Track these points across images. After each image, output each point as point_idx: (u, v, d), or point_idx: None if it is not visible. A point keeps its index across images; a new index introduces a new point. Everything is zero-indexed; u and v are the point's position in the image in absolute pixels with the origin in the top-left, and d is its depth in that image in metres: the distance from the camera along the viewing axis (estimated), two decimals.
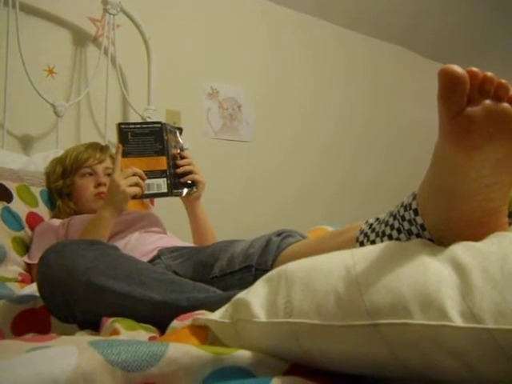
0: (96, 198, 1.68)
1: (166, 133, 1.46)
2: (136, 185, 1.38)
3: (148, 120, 2.31)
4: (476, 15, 3.28)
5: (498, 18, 3.32)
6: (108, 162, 1.75)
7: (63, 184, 1.74)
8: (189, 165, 1.53)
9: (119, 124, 1.43)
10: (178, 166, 1.50)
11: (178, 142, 1.53)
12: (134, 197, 1.40)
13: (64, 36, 2.27)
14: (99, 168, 1.73)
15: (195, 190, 1.54)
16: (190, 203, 1.61)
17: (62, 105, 2.12)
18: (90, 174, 1.72)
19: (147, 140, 1.42)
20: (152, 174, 1.43)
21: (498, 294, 0.53)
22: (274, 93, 3.04)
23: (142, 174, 1.40)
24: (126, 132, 1.41)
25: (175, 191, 1.48)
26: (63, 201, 1.74)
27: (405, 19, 3.28)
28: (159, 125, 1.45)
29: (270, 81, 3.02)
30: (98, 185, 1.70)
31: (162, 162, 1.44)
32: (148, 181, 1.42)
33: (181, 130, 1.57)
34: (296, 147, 3.16)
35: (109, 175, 1.71)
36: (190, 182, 1.53)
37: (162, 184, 1.43)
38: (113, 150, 1.85)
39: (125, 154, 1.41)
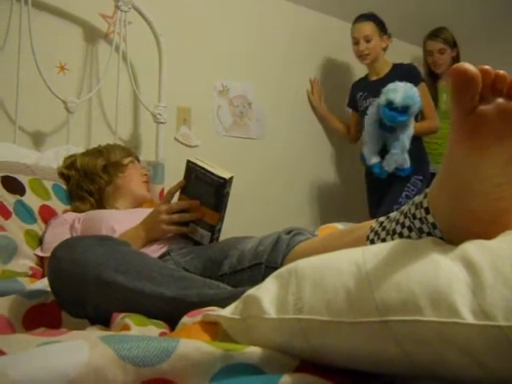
0: (143, 184, 1.87)
1: (227, 189, 1.40)
2: (178, 222, 1.39)
3: (159, 116, 2.31)
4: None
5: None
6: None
7: (114, 167, 1.82)
8: None
9: (188, 161, 1.39)
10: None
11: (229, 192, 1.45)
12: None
13: (76, 33, 2.28)
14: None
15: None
16: None
17: (73, 101, 2.13)
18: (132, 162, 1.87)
19: (207, 189, 1.37)
20: (201, 222, 1.40)
21: (509, 292, 0.53)
22: (285, 90, 3.04)
23: (189, 211, 1.39)
24: (191, 171, 1.38)
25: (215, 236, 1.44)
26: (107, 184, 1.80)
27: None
28: (222, 181, 1.36)
29: (281, 78, 3.01)
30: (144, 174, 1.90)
31: (214, 217, 1.39)
32: (194, 226, 1.40)
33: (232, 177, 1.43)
34: (307, 144, 3.15)
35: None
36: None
37: (205, 236, 1.40)
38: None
39: (183, 190, 1.41)
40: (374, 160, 2.58)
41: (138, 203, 1.84)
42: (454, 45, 3.07)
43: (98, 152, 1.85)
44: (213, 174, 1.36)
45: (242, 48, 2.85)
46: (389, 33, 2.83)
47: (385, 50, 2.84)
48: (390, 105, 2.37)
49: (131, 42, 2.29)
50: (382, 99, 2.41)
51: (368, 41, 2.76)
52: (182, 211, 1.40)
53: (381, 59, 2.83)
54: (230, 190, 1.42)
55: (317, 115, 3.20)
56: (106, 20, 2.35)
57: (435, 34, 3.07)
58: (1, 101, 2.07)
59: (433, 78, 3.13)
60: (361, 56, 2.82)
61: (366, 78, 2.96)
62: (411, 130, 2.49)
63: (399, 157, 2.49)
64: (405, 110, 2.36)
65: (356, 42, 2.81)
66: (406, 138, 2.48)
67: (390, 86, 2.42)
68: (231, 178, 1.39)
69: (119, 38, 2.26)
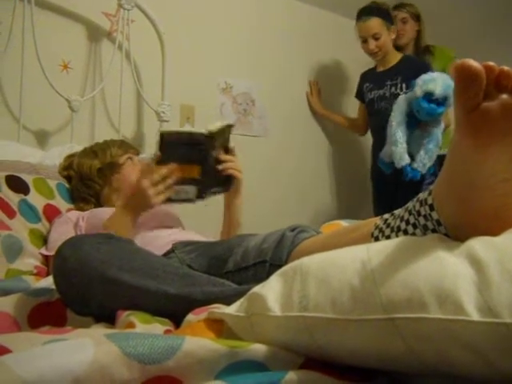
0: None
1: (208, 141, 1.42)
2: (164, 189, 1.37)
3: (163, 114, 2.32)
4: None
5: None
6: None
7: (109, 169, 1.75)
8: (230, 161, 1.50)
9: (161, 131, 1.39)
10: (216, 171, 1.47)
11: (226, 139, 1.49)
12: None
13: (79, 31, 2.28)
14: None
15: (227, 189, 1.53)
16: (228, 198, 1.63)
17: (76, 100, 2.13)
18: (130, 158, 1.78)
19: (186, 150, 1.39)
20: (184, 180, 1.40)
21: None
22: (288, 87, 3.04)
23: (167, 182, 1.37)
24: (163, 139, 1.37)
25: (211, 191, 1.47)
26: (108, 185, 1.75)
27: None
28: (202, 136, 1.39)
29: (284, 75, 3.01)
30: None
31: (193, 170, 1.41)
32: (177, 187, 1.39)
33: (231, 126, 1.50)
34: (310, 141, 3.15)
35: None
36: (226, 179, 1.51)
37: (190, 190, 1.41)
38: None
39: (158, 162, 1.39)
40: (406, 161, 2.33)
41: None
42: (417, 19, 3.00)
43: (93, 153, 1.79)
44: (190, 132, 1.42)
45: (245, 45, 2.85)
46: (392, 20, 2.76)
47: (393, 40, 2.77)
48: (428, 96, 2.19)
49: (134, 40, 2.29)
50: (417, 92, 2.22)
51: (377, 38, 2.70)
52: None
53: (390, 51, 2.77)
54: (226, 136, 1.48)
55: (317, 115, 3.18)
56: (109, 18, 2.35)
57: (400, 5, 2.99)
58: (5, 100, 2.07)
59: (396, 50, 2.96)
60: (371, 54, 2.77)
61: (374, 68, 2.91)
62: (443, 124, 2.33)
63: (434, 154, 2.30)
64: (443, 101, 2.18)
65: (364, 41, 2.75)
66: (440, 133, 2.31)
67: (425, 76, 2.25)
68: (226, 126, 1.44)
69: (122, 36, 2.26)
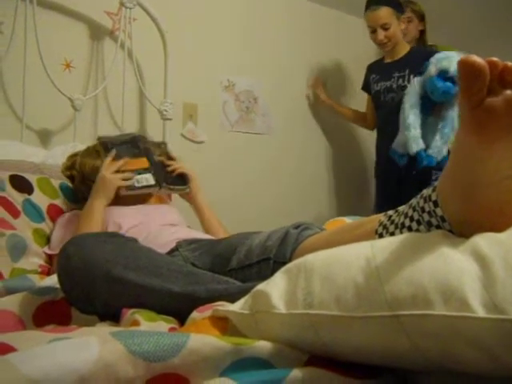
0: None
1: (140, 141, 1.74)
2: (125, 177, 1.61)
3: (165, 112, 2.32)
4: None
5: None
6: None
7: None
8: (176, 164, 1.75)
9: (99, 138, 1.77)
10: (166, 172, 1.73)
11: (163, 152, 1.82)
12: (127, 190, 1.61)
13: (81, 30, 2.28)
14: None
15: (187, 187, 1.75)
16: (191, 199, 1.79)
17: (79, 99, 2.14)
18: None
19: (126, 148, 1.69)
20: (138, 172, 1.64)
21: None
22: (290, 84, 3.03)
23: (122, 167, 1.63)
24: (105, 143, 1.71)
25: (170, 186, 1.71)
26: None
27: None
28: (132, 135, 1.79)
29: (286, 73, 3.01)
30: None
31: (144, 162, 1.67)
32: (137, 176, 1.63)
33: (165, 143, 1.94)
34: (312, 139, 3.15)
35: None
36: (182, 179, 1.75)
37: (149, 178, 1.65)
38: None
39: (115, 159, 1.67)
40: (421, 146, 2.25)
41: (138, 200, 1.73)
42: (422, 18, 2.96)
43: (96, 152, 1.77)
44: (122, 135, 1.86)
45: (248, 43, 2.85)
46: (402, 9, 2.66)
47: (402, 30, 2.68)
48: (443, 74, 2.13)
49: (136, 38, 2.29)
50: (432, 70, 2.17)
51: (386, 28, 2.60)
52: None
53: (400, 42, 2.68)
54: (165, 151, 1.86)
55: (324, 106, 3.11)
56: (111, 17, 2.35)
57: (405, 4, 2.89)
58: (7, 99, 2.07)
59: None
60: (380, 44, 2.68)
61: (381, 59, 2.84)
62: (456, 107, 2.17)
63: (450, 139, 2.20)
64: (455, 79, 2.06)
65: (373, 31, 2.65)
66: (455, 116, 2.21)
67: (439, 55, 2.20)
68: (159, 143, 1.90)
69: (124, 35, 2.26)
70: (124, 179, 1.61)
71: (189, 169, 1.77)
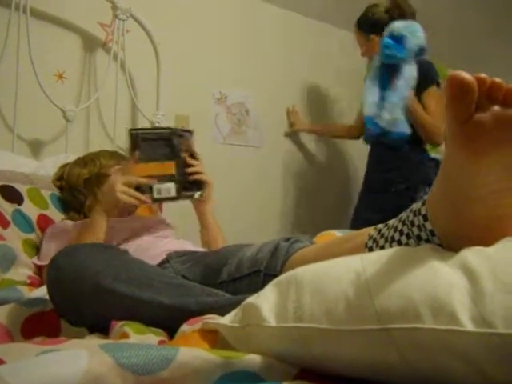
0: None
1: (176, 137, 1.48)
2: (132, 195, 1.41)
3: (157, 125, 2.32)
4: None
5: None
6: None
7: (96, 180, 1.72)
8: (197, 166, 1.54)
9: (130, 129, 1.45)
10: (186, 174, 1.52)
11: (188, 145, 1.54)
12: (145, 202, 1.44)
13: (74, 41, 2.29)
14: None
15: (203, 193, 1.55)
16: (199, 205, 1.63)
17: (71, 110, 2.13)
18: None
19: (157, 145, 1.45)
20: (161, 178, 1.45)
21: (509, 299, 0.53)
22: (282, 97, 3.05)
23: (146, 184, 1.43)
24: (136, 137, 1.44)
25: (184, 194, 1.50)
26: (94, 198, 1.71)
27: None
28: (168, 130, 1.48)
29: (278, 85, 3.02)
30: None
31: (170, 167, 1.46)
32: (158, 185, 1.44)
33: (191, 132, 1.57)
34: (305, 152, 3.16)
35: None
36: (198, 184, 1.54)
37: (171, 188, 1.46)
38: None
39: (138, 162, 1.45)
40: (370, 112, 2.39)
41: (124, 213, 1.64)
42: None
43: (84, 163, 1.77)
44: (158, 128, 1.55)
45: (240, 55, 2.86)
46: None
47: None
48: (391, 34, 2.31)
49: (129, 50, 2.30)
50: (384, 35, 2.36)
51: (361, 46, 2.73)
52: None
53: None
54: (189, 142, 1.54)
55: (308, 133, 3.16)
56: (104, 29, 2.35)
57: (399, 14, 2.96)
58: None
59: None
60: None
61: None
62: (410, 81, 2.34)
63: (396, 108, 2.32)
64: (401, 41, 2.28)
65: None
66: (404, 86, 2.32)
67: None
68: (185, 131, 1.53)
69: (117, 46, 2.27)
70: (140, 186, 1.41)
71: (206, 174, 1.56)
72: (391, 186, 2.46)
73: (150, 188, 1.44)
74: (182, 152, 1.50)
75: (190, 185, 1.52)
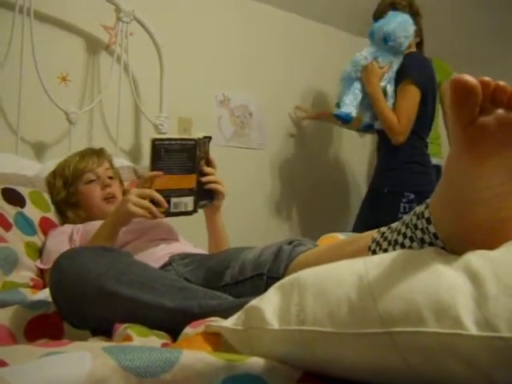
0: (105, 202, 1.69)
1: (199, 149, 1.42)
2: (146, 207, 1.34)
3: (160, 127, 2.32)
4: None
5: None
6: (106, 164, 1.77)
7: (67, 194, 1.73)
8: (212, 175, 1.48)
9: (153, 139, 1.36)
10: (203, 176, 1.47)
11: (206, 151, 1.47)
12: (157, 217, 1.36)
13: (77, 44, 2.29)
14: (100, 171, 1.73)
15: (213, 202, 1.51)
16: (210, 213, 1.59)
17: (74, 112, 2.14)
18: (92, 181, 1.71)
19: (179, 157, 1.38)
20: (180, 192, 1.39)
21: None
22: (285, 100, 3.05)
23: (161, 200, 1.34)
24: (159, 148, 1.35)
25: (199, 203, 1.45)
26: (73, 211, 1.73)
27: None
28: (193, 142, 1.39)
29: (281, 87, 3.02)
30: (105, 186, 1.71)
31: (191, 181, 1.41)
32: (175, 199, 1.38)
33: (210, 138, 1.49)
34: (307, 154, 3.16)
35: (110, 178, 1.74)
36: (211, 192, 1.49)
37: (189, 203, 1.41)
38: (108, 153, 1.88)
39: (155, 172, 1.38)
40: (341, 99, 2.51)
41: None
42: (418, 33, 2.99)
43: (54, 177, 1.79)
44: (182, 139, 1.39)
45: (243, 58, 2.87)
46: None
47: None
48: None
49: (132, 52, 2.30)
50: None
51: None
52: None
53: None
54: (206, 149, 1.46)
55: (316, 119, 3.16)
56: (107, 31, 2.36)
57: None
58: (3, 112, 2.07)
59: None
60: None
61: None
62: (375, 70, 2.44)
63: (358, 96, 2.46)
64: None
65: None
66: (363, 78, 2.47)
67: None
68: (204, 138, 1.43)
69: (121, 49, 2.27)
70: (144, 207, 1.33)
71: (221, 183, 1.49)
72: (391, 189, 2.46)
73: (168, 200, 1.37)
74: (201, 160, 1.45)
75: (203, 193, 1.46)
